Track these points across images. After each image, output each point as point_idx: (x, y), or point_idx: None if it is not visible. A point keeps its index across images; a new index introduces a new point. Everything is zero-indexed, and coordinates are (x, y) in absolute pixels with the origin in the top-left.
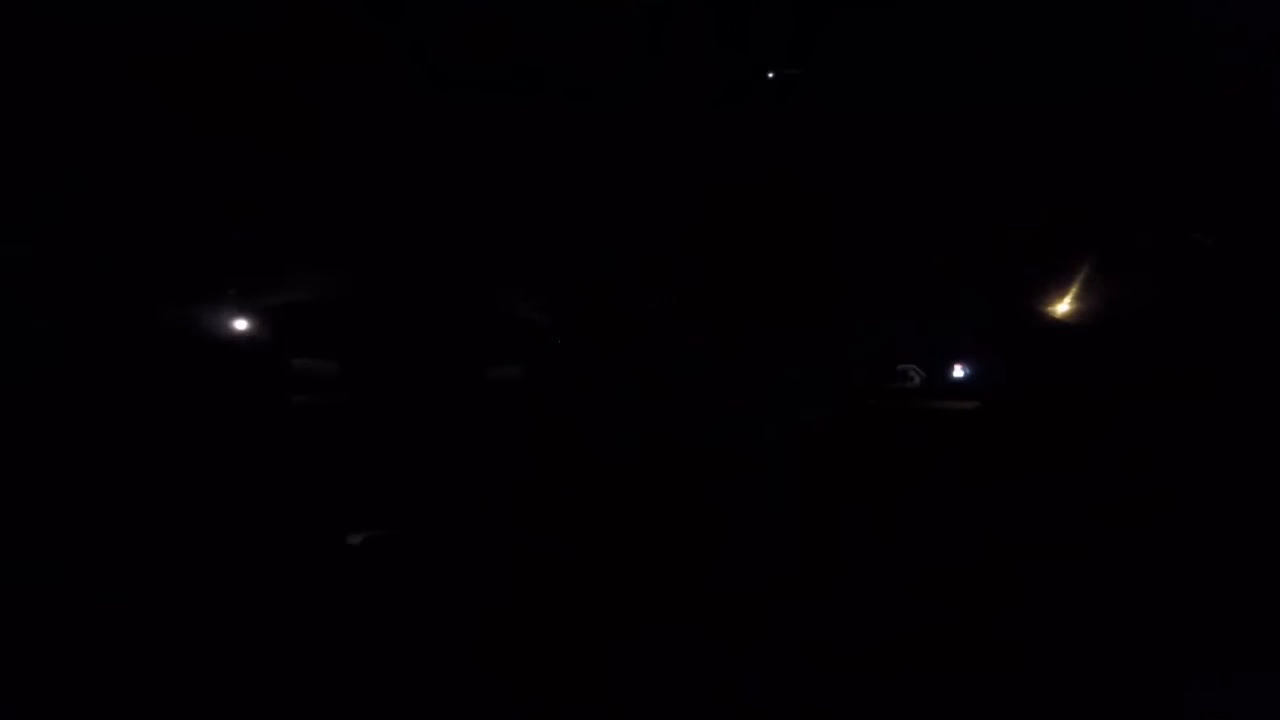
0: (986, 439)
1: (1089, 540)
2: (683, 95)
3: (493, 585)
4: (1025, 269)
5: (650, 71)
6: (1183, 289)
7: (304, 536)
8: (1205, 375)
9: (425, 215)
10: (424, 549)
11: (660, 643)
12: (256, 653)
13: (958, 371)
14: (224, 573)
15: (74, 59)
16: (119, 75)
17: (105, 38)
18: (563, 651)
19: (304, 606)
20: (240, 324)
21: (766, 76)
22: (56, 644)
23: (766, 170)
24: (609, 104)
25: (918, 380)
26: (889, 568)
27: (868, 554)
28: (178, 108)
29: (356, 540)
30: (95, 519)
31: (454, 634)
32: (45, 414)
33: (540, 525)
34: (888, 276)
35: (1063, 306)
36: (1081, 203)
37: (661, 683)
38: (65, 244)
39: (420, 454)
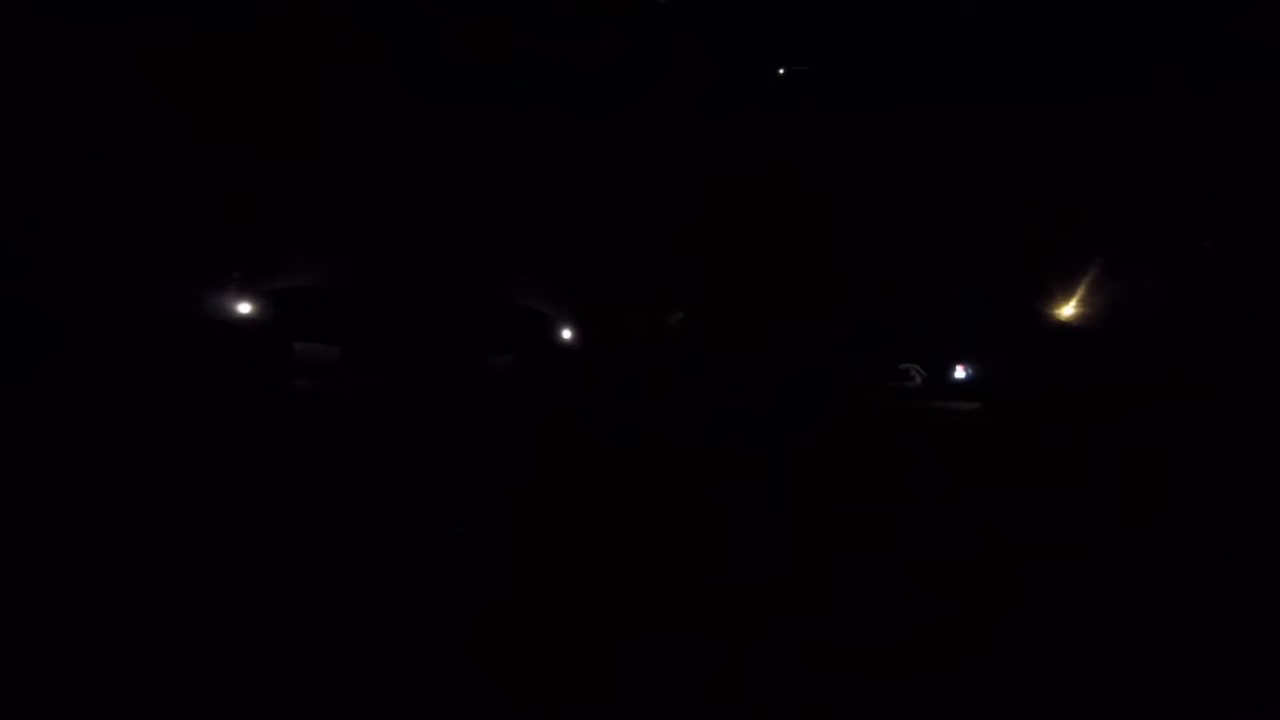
0: (987, 439)
1: (1090, 540)
2: (684, 95)
3: (492, 585)
4: (1027, 270)
5: (651, 71)
6: (1185, 291)
7: (302, 534)
8: (1206, 375)
9: (424, 214)
10: (424, 545)
11: (660, 643)
12: (254, 649)
13: (959, 372)
14: (222, 567)
15: (79, 60)
16: (122, 75)
17: (109, 39)
18: (563, 651)
19: (303, 603)
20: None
21: (767, 76)
22: (58, 631)
23: (767, 170)
24: (609, 104)
25: (918, 380)
26: (889, 567)
27: (868, 553)
28: (179, 106)
29: (357, 539)
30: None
31: (454, 634)
32: (53, 394)
33: (540, 523)
34: (888, 276)
35: (1064, 307)
36: (1084, 204)
37: (661, 683)
38: (69, 237)
39: (419, 448)
